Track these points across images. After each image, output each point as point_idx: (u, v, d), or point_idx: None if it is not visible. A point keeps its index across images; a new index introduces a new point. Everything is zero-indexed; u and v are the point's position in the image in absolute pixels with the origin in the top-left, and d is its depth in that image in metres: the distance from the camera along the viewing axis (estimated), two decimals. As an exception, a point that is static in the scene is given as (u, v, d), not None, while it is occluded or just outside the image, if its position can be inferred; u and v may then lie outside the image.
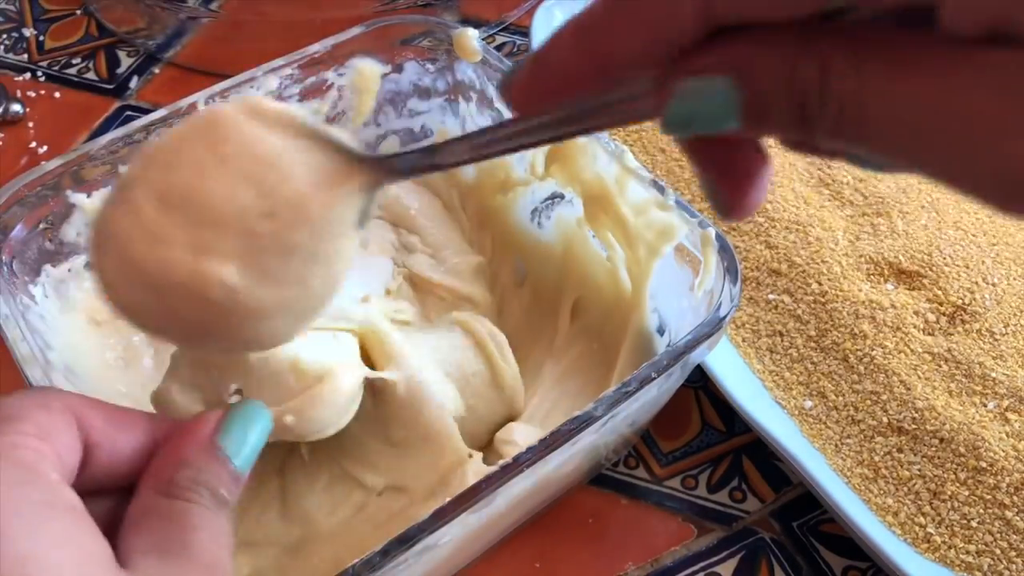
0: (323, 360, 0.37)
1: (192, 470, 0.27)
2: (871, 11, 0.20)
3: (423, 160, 0.28)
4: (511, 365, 0.44)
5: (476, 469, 0.41)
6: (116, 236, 0.28)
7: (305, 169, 0.28)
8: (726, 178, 0.23)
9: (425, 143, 0.54)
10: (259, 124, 0.29)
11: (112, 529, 0.26)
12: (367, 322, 0.41)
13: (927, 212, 0.54)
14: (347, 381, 0.37)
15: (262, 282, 0.28)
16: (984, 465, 0.44)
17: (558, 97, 0.23)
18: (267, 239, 0.28)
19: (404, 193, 0.52)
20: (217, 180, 0.28)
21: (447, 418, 0.41)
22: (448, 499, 0.33)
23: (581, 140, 0.46)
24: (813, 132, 0.20)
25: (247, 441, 0.29)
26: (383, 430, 0.41)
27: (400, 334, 0.42)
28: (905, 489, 0.44)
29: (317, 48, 0.50)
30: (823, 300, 0.50)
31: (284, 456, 0.42)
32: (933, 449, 0.45)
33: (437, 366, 0.42)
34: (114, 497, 0.28)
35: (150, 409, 0.45)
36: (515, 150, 0.26)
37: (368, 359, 0.41)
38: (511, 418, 0.45)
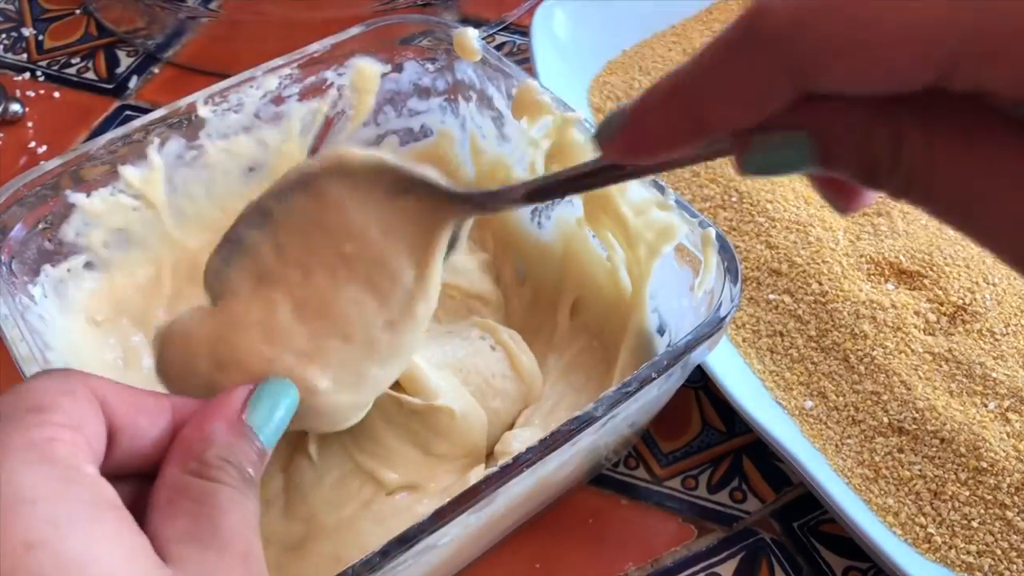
0: None
1: (220, 447, 0.27)
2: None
3: (512, 194, 0.31)
4: (528, 355, 0.45)
5: (476, 471, 0.41)
6: (235, 323, 0.31)
7: (405, 244, 0.32)
8: (840, 193, 0.25)
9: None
10: (351, 189, 0.32)
11: (137, 515, 0.26)
12: None
13: (927, 212, 0.54)
14: (347, 399, 0.37)
15: (350, 388, 0.33)
16: (985, 465, 0.44)
17: (652, 154, 0.24)
18: (383, 348, 0.33)
19: None
20: (347, 292, 0.32)
21: (485, 432, 0.42)
22: (448, 499, 0.33)
23: (581, 139, 0.46)
24: (880, 189, 0.22)
25: (273, 418, 0.29)
26: (422, 442, 0.42)
27: (427, 358, 0.42)
28: (906, 489, 0.44)
29: (317, 48, 0.50)
30: (823, 300, 0.50)
31: (290, 453, 0.42)
32: (934, 449, 0.45)
33: (463, 378, 0.43)
34: (134, 481, 0.27)
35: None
36: (594, 187, 0.31)
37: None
38: (527, 406, 0.45)
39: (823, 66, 0.20)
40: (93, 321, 0.46)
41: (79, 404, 0.25)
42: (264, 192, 0.34)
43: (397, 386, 0.41)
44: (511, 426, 0.45)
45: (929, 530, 0.43)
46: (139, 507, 0.26)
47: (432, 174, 0.32)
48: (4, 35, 0.73)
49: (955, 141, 0.20)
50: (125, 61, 0.71)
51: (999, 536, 0.42)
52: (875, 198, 0.26)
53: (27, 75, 0.70)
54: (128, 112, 0.67)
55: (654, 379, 0.37)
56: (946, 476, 0.44)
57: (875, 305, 0.49)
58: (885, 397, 0.47)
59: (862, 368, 0.48)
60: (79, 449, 0.25)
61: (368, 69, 0.51)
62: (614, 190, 0.45)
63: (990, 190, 0.20)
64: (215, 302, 0.35)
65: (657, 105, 0.24)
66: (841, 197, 0.25)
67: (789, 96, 0.21)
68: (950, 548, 0.43)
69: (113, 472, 0.26)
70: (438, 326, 0.47)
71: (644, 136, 0.24)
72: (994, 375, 0.47)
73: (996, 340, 0.48)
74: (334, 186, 0.33)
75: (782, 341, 0.50)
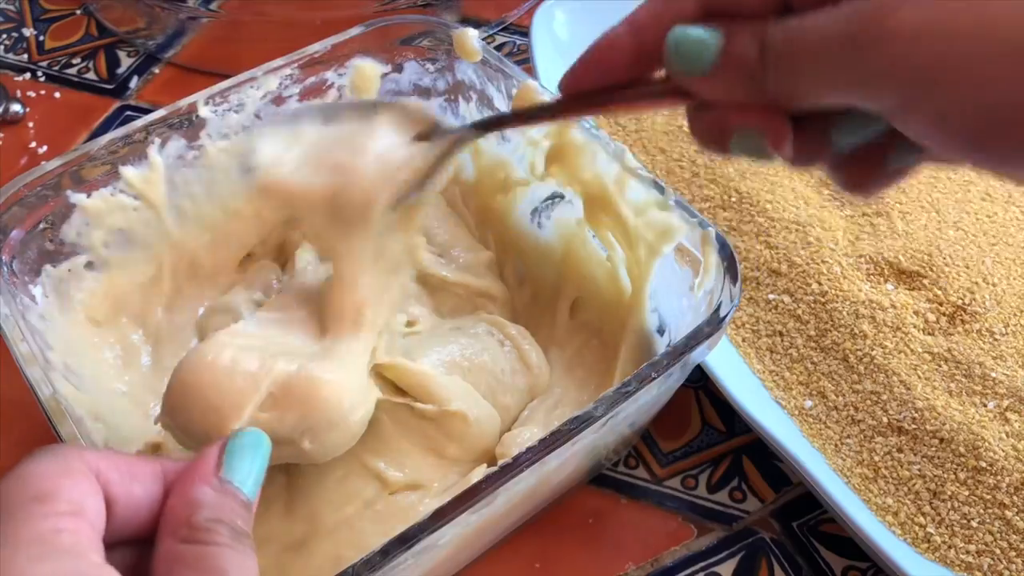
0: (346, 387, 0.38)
1: (206, 510, 0.27)
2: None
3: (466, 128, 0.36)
4: (536, 348, 0.46)
5: (477, 470, 0.41)
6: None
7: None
8: (853, 176, 0.29)
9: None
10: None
11: None
12: (402, 364, 0.41)
13: (927, 212, 0.54)
14: (361, 410, 0.38)
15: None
16: (984, 465, 0.44)
17: (600, 77, 0.30)
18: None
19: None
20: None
21: (498, 434, 0.43)
22: (449, 499, 0.34)
23: (581, 139, 0.46)
24: (765, 87, 0.27)
25: (252, 469, 0.29)
26: (435, 446, 0.42)
27: (435, 361, 0.43)
28: (905, 489, 0.44)
29: (317, 48, 0.50)
30: (823, 300, 0.50)
31: None
32: (933, 449, 0.45)
33: (473, 378, 0.43)
34: (134, 547, 0.28)
35: (148, 405, 0.45)
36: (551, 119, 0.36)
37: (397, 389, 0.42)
38: (534, 398, 0.46)
39: None
40: (93, 320, 0.46)
41: (79, 485, 0.26)
42: None
43: (407, 395, 0.41)
44: (516, 418, 0.45)
45: (928, 529, 0.43)
46: (140, 573, 0.27)
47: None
48: (5, 35, 0.74)
49: (799, 17, 0.26)
50: (126, 61, 0.71)
51: (998, 535, 0.42)
52: (886, 186, 0.29)
53: (28, 75, 0.70)
54: (129, 112, 0.68)
55: (654, 379, 0.37)
56: (945, 476, 0.44)
57: (874, 305, 0.49)
58: (884, 397, 0.47)
59: (861, 368, 0.48)
60: (83, 536, 0.25)
61: (368, 69, 0.51)
62: (614, 191, 0.45)
63: (830, 37, 0.25)
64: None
65: (610, 36, 0.30)
66: (854, 180, 0.29)
67: (694, 12, 0.28)
68: (949, 547, 0.43)
69: (112, 541, 0.26)
70: (444, 323, 0.47)
71: (593, 63, 0.31)
72: (993, 375, 0.47)
73: (995, 340, 0.48)
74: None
75: (782, 341, 0.50)
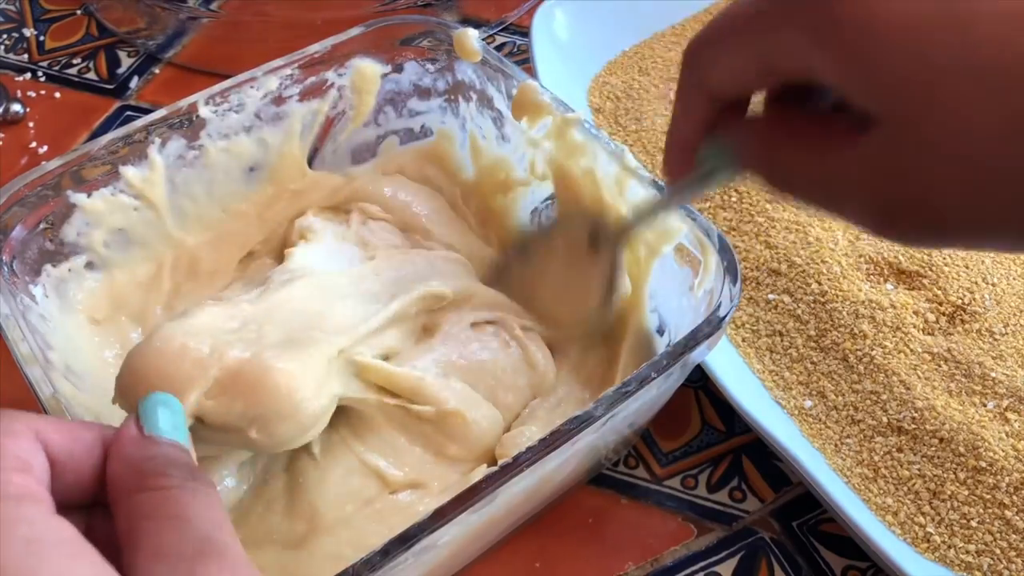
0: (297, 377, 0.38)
1: (146, 461, 0.27)
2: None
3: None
4: (542, 348, 0.46)
5: (478, 469, 0.41)
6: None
7: None
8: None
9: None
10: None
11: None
12: (382, 367, 0.42)
13: (927, 212, 0.54)
14: (315, 404, 0.38)
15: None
16: (984, 465, 0.44)
17: (675, 174, 0.34)
18: None
19: (412, 199, 0.52)
20: None
21: (499, 434, 0.43)
22: (449, 498, 0.34)
23: (580, 138, 0.46)
24: (775, 189, 0.29)
25: (174, 421, 0.29)
26: (435, 445, 0.42)
27: (430, 361, 0.43)
28: (905, 489, 0.44)
29: (317, 48, 0.50)
30: (823, 300, 0.50)
31: (292, 454, 0.42)
32: (933, 449, 0.45)
33: (473, 378, 0.43)
34: (80, 513, 0.27)
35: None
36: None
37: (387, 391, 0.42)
38: (537, 397, 0.45)
39: (703, 67, 0.30)
40: (93, 320, 0.47)
41: (21, 444, 0.26)
42: None
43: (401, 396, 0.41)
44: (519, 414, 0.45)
45: (928, 529, 0.43)
46: (92, 539, 0.26)
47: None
48: (5, 35, 0.74)
49: (797, 148, 0.28)
50: (126, 61, 0.71)
51: (998, 535, 0.42)
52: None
53: (28, 75, 0.70)
54: (129, 112, 0.68)
55: (654, 379, 0.37)
56: (945, 475, 0.44)
57: (874, 305, 0.49)
58: (884, 397, 0.47)
59: (861, 368, 0.48)
60: (32, 489, 0.25)
61: (368, 70, 0.51)
62: (614, 191, 0.45)
63: (844, 179, 0.26)
64: None
65: (669, 139, 0.33)
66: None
67: (704, 100, 0.30)
68: (949, 547, 0.43)
69: (58, 503, 0.26)
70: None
71: (672, 161, 0.34)
72: (993, 375, 0.47)
73: (995, 340, 0.48)
74: None
75: (781, 341, 0.50)
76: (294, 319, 0.40)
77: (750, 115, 0.31)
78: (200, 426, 0.36)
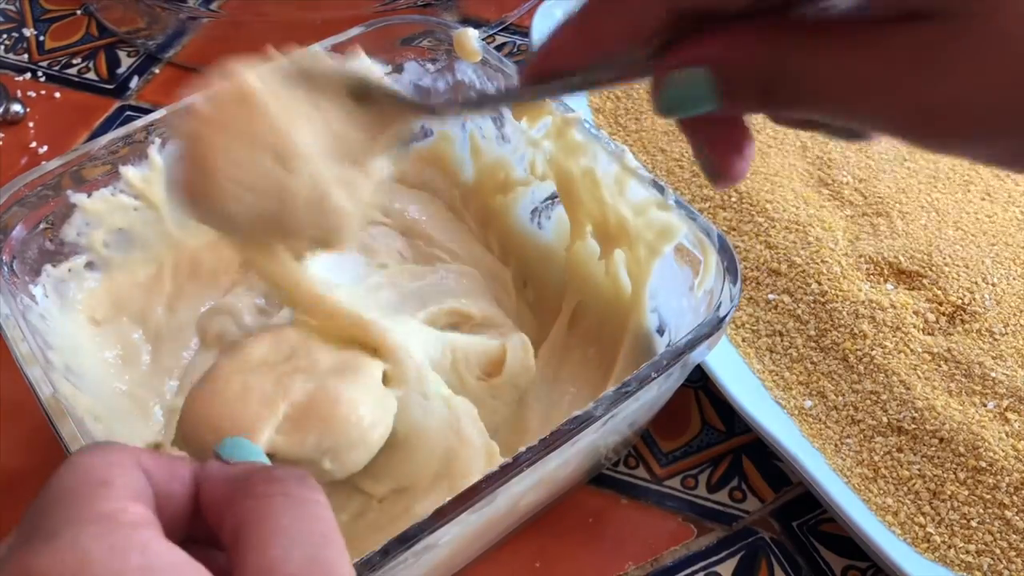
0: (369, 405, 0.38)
1: (250, 484, 0.26)
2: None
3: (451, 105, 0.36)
4: (523, 354, 0.45)
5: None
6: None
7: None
8: (716, 150, 0.28)
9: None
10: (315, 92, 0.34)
11: None
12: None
13: (927, 212, 0.54)
14: (381, 427, 0.38)
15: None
16: (984, 465, 0.44)
17: (560, 70, 0.28)
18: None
19: (412, 204, 0.52)
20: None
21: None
22: (449, 498, 0.34)
23: (580, 138, 0.46)
24: (777, 107, 0.25)
25: (252, 452, 0.29)
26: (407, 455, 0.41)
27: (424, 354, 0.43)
28: (905, 489, 0.44)
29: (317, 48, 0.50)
30: (823, 300, 0.50)
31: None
32: (933, 449, 0.45)
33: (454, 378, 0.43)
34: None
35: (148, 405, 0.45)
36: (521, 100, 0.34)
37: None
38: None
39: None
40: (93, 320, 0.47)
41: (132, 475, 0.25)
42: None
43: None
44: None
45: (928, 529, 0.43)
46: None
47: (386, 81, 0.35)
48: (5, 35, 0.74)
49: (826, 42, 0.23)
50: (126, 61, 0.71)
51: (998, 535, 0.42)
52: (746, 169, 0.28)
53: (28, 75, 0.70)
54: (129, 112, 0.68)
55: (654, 379, 0.37)
56: (945, 476, 0.44)
57: (874, 305, 0.49)
58: (884, 397, 0.47)
59: (861, 368, 0.48)
60: (146, 517, 0.24)
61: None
62: (614, 191, 0.45)
63: (874, 76, 0.23)
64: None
65: (561, 31, 0.27)
66: (717, 154, 0.28)
67: (661, 13, 0.25)
68: (949, 547, 0.43)
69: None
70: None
71: (553, 55, 0.28)
72: (993, 375, 0.47)
73: (995, 340, 0.48)
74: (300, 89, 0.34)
75: (781, 341, 0.50)
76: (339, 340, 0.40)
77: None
78: (273, 462, 0.36)
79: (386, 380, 0.40)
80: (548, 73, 0.28)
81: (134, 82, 0.70)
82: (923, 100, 0.22)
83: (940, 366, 0.48)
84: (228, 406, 0.36)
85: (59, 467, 0.25)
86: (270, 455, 0.36)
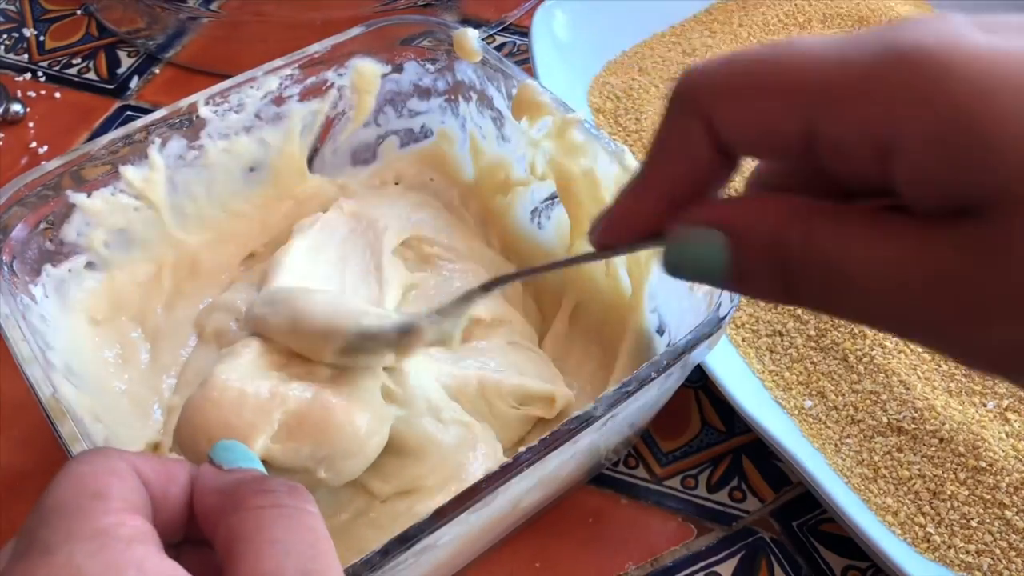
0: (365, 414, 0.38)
1: (239, 494, 0.26)
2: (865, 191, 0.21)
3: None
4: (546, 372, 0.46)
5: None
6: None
7: None
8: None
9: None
10: None
11: None
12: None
13: (927, 212, 0.54)
14: (378, 436, 0.38)
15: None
16: (984, 465, 0.44)
17: (618, 240, 0.26)
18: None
19: (411, 205, 0.52)
20: None
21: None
22: (448, 497, 0.34)
23: (580, 138, 0.46)
24: (798, 296, 0.21)
25: (248, 456, 0.29)
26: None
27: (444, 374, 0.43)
28: (905, 489, 0.44)
29: (317, 48, 0.50)
30: (823, 300, 0.50)
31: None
32: (933, 449, 0.45)
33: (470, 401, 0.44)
34: (173, 550, 0.27)
35: (148, 404, 0.45)
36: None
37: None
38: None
39: (717, 106, 0.22)
40: (93, 320, 0.47)
41: (127, 483, 0.25)
42: None
43: None
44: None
45: (928, 529, 0.43)
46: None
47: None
48: (5, 35, 0.74)
49: (865, 230, 0.20)
50: (126, 61, 0.71)
51: (998, 535, 0.42)
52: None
53: (28, 75, 0.70)
54: (129, 112, 0.68)
55: (654, 379, 0.37)
56: (945, 476, 0.44)
57: (874, 305, 0.49)
58: (884, 397, 0.47)
59: (861, 368, 0.48)
60: (141, 530, 0.24)
61: (368, 70, 0.51)
62: (614, 191, 0.45)
63: (906, 278, 0.19)
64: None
65: (625, 194, 0.25)
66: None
67: (706, 144, 0.22)
68: (949, 547, 0.43)
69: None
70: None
71: (620, 224, 0.25)
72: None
73: (995, 340, 0.48)
74: None
75: (781, 341, 0.50)
76: None
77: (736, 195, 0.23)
78: (267, 469, 0.36)
79: (386, 397, 0.40)
80: (615, 240, 0.25)
81: (134, 82, 0.70)
82: (977, 297, 0.19)
83: (940, 366, 0.48)
84: (223, 413, 0.36)
85: (57, 475, 0.25)
86: (265, 462, 0.35)
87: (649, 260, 0.45)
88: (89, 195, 0.45)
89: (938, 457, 0.45)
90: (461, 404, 0.43)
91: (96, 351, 0.46)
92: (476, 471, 0.40)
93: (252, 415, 0.36)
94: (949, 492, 0.44)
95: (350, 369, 0.38)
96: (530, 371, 0.45)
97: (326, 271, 0.47)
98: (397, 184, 0.54)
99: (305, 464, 0.36)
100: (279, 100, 0.50)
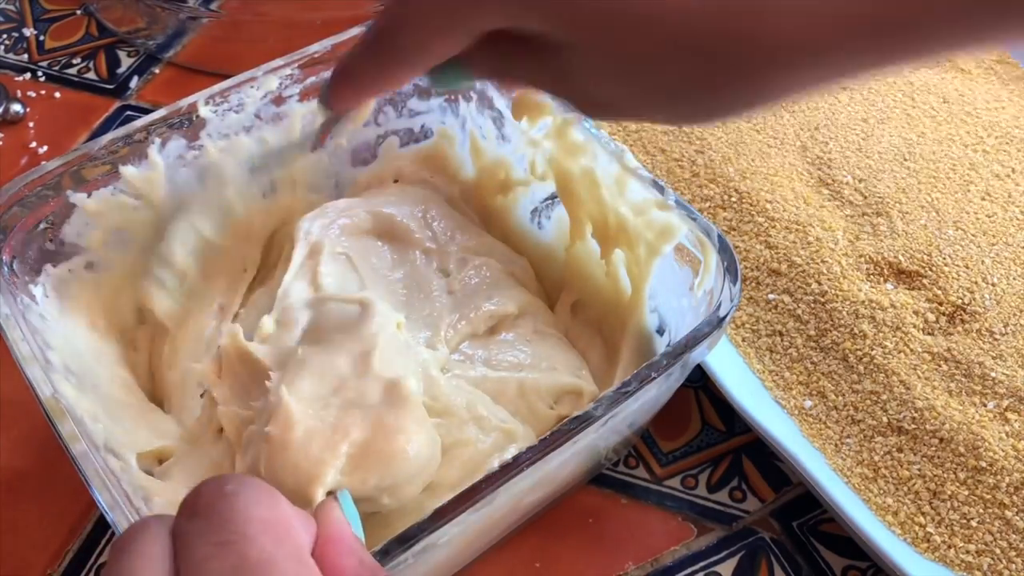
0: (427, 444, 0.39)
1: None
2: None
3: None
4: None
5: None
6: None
7: None
8: None
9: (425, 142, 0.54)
10: None
11: None
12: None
13: (927, 212, 0.54)
14: (436, 458, 0.39)
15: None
16: (984, 465, 0.44)
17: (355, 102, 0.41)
18: None
19: (415, 205, 0.52)
20: None
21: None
22: (448, 498, 0.34)
23: (580, 138, 0.46)
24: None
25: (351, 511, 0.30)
26: None
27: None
28: (905, 489, 0.44)
29: (317, 48, 0.50)
30: (823, 300, 0.50)
31: None
32: (933, 449, 0.45)
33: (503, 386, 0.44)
34: None
35: (147, 404, 0.45)
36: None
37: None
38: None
39: (475, 15, 0.32)
40: (93, 320, 0.46)
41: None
42: None
43: None
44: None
45: (928, 529, 0.43)
46: None
47: None
48: (5, 35, 0.74)
49: (520, 59, 0.33)
50: (126, 61, 0.71)
51: (998, 535, 0.42)
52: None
53: (28, 75, 0.70)
54: (129, 112, 0.68)
55: (654, 379, 0.37)
56: (945, 475, 0.44)
57: (874, 305, 0.49)
58: (884, 397, 0.47)
59: (861, 368, 0.48)
60: None
61: (368, 70, 0.51)
62: (614, 191, 0.45)
63: (540, 82, 0.34)
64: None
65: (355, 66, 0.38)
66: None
67: (465, 37, 0.32)
68: (949, 547, 0.43)
69: None
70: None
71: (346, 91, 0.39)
72: (993, 375, 0.47)
73: (995, 340, 0.48)
74: None
75: (781, 341, 0.50)
76: (381, 367, 0.39)
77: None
78: None
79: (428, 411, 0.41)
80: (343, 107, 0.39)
81: (134, 82, 0.70)
82: (576, 90, 0.32)
83: (940, 366, 0.48)
84: (292, 455, 0.36)
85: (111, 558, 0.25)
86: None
87: (649, 260, 0.45)
88: (89, 195, 0.45)
89: (938, 457, 0.45)
90: (503, 407, 0.43)
91: (95, 351, 0.46)
92: None
93: (319, 451, 0.36)
94: (949, 492, 0.44)
95: (398, 386, 0.38)
96: (559, 361, 0.46)
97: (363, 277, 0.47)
98: (396, 182, 0.54)
99: (371, 494, 0.37)
100: (279, 100, 0.49)
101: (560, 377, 0.45)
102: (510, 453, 0.41)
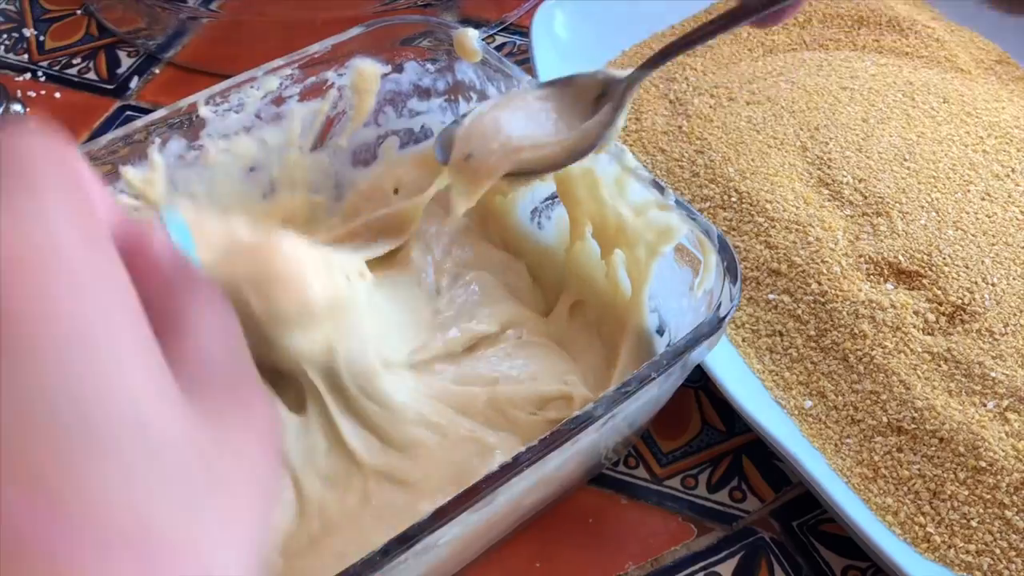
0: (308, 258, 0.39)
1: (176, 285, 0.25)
2: None
3: None
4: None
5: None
6: None
7: None
8: None
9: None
10: None
11: None
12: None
13: (927, 212, 0.54)
14: (318, 285, 0.39)
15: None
16: (984, 465, 0.44)
17: None
18: None
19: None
20: None
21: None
22: (449, 498, 0.34)
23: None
24: None
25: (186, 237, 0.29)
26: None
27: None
28: (905, 489, 0.44)
29: (317, 48, 0.50)
30: (823, 300, 0.50)
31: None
32: (933, 449, 0.45)
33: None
34: None
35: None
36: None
37: None
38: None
39: None
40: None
41: (80, 175, 0.22)
42: None
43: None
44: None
45: (928, 529, 0.43)
46: None
47: None
48: (5, 36, 0.74)
49: None
50: (126, 61, 0.71)
51: (998, 535, 0.42)
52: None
53: (28, 75, 0.70)
54: (129, 112, 0.68)
55: (654, 379, 0.37)
56: (945, 475, 0.44)
57: (874, 305, 0.49)
58: (884, 397, 0.47)
59: (861, 368, 0.48)
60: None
61: (368, 70, 0.51)
62: (614, 191, 0.45)
63: None
64: None
65: None
66: None
67: None
68: (949, 547, 0.43)
69: None
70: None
71: None
72: (993, 375, 0.47)
73: (995, 340, 0.48)
74: None
75: (781, 341, 0.50)
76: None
77: None
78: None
79: (369, 419, 0.42)
80: None
81: (134, 82, 0.70)
82: None
83: (940, 366, 0.48)
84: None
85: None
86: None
87: (649, 260, 0.45)
88: (89, 195, 0.45)
89: (938, 457, 0.45)
90: (471, 419, 0.43)
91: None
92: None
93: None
94: (949, 492, 0.44)
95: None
96: (543, 370, 0.45)
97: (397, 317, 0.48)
98: (396, 192, 0.54)
99: (239, 286, 0.37)
100: (279, 100, 0.50)
101: (540, 386, 0.44)
102: (497, 459, 0.41)
